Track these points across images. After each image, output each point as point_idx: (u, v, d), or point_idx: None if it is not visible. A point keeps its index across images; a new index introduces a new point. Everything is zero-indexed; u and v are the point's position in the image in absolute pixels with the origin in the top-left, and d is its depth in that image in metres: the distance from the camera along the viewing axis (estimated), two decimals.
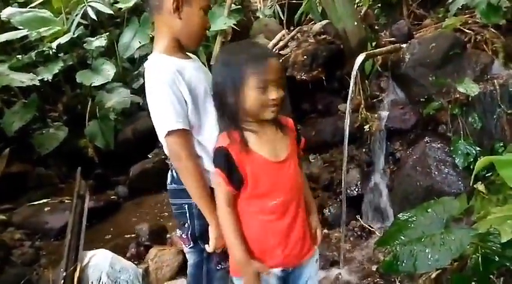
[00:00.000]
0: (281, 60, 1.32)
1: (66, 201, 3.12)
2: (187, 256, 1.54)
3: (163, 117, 1.28)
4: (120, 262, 2.12)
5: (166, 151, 1.38)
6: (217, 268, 1.45)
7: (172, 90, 1.27)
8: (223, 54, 1.38)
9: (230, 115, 1.24)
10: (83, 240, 2.18)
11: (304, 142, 1.41)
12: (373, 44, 3.07)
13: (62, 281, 1.97)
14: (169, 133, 1.27)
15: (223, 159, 1.23)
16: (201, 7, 1.37)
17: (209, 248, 1.37)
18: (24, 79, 3.02)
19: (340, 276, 2.31)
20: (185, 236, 1.43)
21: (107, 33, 3.78)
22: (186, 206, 1.38)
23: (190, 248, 1.46)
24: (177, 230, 1.49)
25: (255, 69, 1.20)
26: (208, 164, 1.34)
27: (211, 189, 1.31)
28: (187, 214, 1.40)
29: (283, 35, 3.85)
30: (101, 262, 2.09)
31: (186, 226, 1.41)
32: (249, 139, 1.25)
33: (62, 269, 2.01)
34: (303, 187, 1.38)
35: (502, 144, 2.40)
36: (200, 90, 1.34)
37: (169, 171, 1.44)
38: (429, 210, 1.67)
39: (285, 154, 1.30)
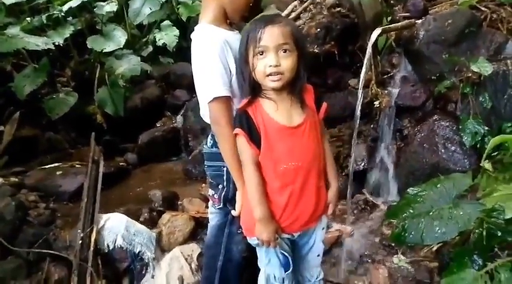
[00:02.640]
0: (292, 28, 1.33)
1: (77, 166, 3.18)
2: (210, 216, 1.63)
3: (211, 84, 1.36)
4: (135, 226, 2.20)
5: (204, 116, 1.47)
6: (238, 231, 1.54)
7: (221, 59, 1.35)
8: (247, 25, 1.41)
9: (247, 82, 1.31)
10: (99, 204, 2.25)
11: (325, 108, 1.44)
12: (388, 18, 3.04)
13: (80, 241, 2.05)
14: (214, 99, 1.34)
15: (244, 119, 1.31)
16: None
17: (235, 212, 1.44)
18: (39, 43, 3.00)
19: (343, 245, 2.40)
20: (217, 197, 1.52)
21: None
22: (225, 169, 1.46)
23: (218, 208, 1.55)
24: (209, 189, 1.59)
25: (253, 35, 1.26)
26: None
27: None
28: (224, 177, 1.49)
29: (295, 6, 3.78)
30: (116, 225, 2.17)
31: (220, 187, 1.51)
32: (265, 105, 1.32)
33: (79, 231, 2.08)
34: (320, 155, 1.42)
35: (510, 125, 2.42)
36: None
37: (210, 135, 1.51)
38: (439, 185, 1.73)
39: (300, 121, 1.34)
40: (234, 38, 1.43)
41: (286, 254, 1.40)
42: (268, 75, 1.27)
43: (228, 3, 1.43)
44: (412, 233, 1.62)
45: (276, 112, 1.32)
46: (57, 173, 2.97)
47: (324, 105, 1.44)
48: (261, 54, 1.26)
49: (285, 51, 1.26)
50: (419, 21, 2.93)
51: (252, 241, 1.43)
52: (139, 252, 2.12)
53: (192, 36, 1.44)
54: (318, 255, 1.54)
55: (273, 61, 1.25)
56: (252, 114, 1.31)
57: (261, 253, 1.44)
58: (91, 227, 2.13)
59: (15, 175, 3.02)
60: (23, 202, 2.34)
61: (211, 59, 1.36)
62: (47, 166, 3.15)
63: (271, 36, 1.25)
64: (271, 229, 1.33)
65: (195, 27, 1.46)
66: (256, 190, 1.32)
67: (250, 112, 1.31)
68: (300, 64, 1.30)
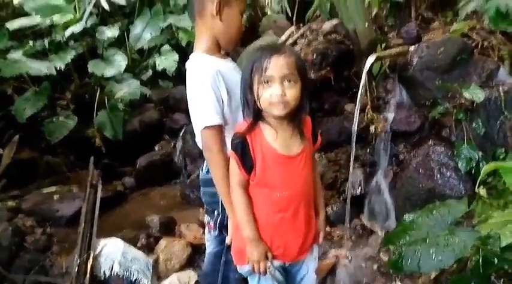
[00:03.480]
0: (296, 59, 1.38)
1: (74, 190, 3.19)
2: (207, 243, 1.64)
3: (203, 112, 1.40)
4: (132, 252, 2.19)
5: (198, 143, 1.50)
6: None
7: (213, 88, 1.39)
8: (252, 53, 1.47)
9: (250, 109, 1.34)
10: (96, 229, 2.25)
11: (319, 142, 1.47)
12: (383, 45, 3.12)
13: (76, 268, 2.04)
14: (206, 127, 1.38)
15: (239, 144, 1.33)
16: (240, 10, 1.49)
17: (228, 239, 1.45)
18: (41, 67, 3.06)
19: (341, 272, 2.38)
20: (212, 224, 1.54)
21: (119, 24, 3.80)
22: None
23: (214, 236, 1.56)
24: (205, 216, 1.60)
25: (259, 64, 1.29)
26: None
27: None
28: (219, 203, 1.49)
29: (292, 32, 3.88)
30: (113, 251, 2.16)
31: (215, 213, 1.53)
32: (265, 131, 1.35)
33: (76, 257, 2.07)
34: (311, 186, 1.44)
35: (503, 151, 2.46)
36: (237, 89, 1.44)
37: (205, 161, 1.53)
38: (434, 212, 1.74)
39: (297, 151, 1.37)
40: (227, 66, 1.48)
41: None
42: (273, 104, 1.30)
43: (220, 33, 1.48)
44: (409, 260, 1.62)
45: (275, 140, 1.35)
46: (55, 197, 2.97)
47: (319, 139, 1.47)
48: (266, 83, 1.29)
49: (290, 81, 1.30)
50: (413, 48, 3.00)
51: (243, 269, 1.43)
52: (135, 279, 2.10)
53: (187, 65, 1.49)
54: None
55: (278, 91, 1.28)
56: (250, 140, 1.33)
57: (253, 282, 1.44)
58: (88, 253, 2.12)
59: (12, 199, 3.02)
60: (20, 227, 2.34)
61: (204, 88, 1.40)
62: (44, 190, 3.16)
63: (276, 66, 1.28)
64: (261, 249, 1.35)
65: (190, 56, 1.51)
66: (245, 211, 1.35)
67: (249, 137, 1.34)
68: (303, 93, 1.34)
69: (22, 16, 3.66)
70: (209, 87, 1.39)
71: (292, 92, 1.30)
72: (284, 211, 1.36)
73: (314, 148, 1.46)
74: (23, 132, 3.50)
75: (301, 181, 1.38)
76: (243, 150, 1.33)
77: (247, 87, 1.33)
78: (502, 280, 1.59)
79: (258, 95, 1.31)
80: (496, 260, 1.60)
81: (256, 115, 1.35)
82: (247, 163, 1.33)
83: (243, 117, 1.40)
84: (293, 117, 1.36)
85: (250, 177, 1.35)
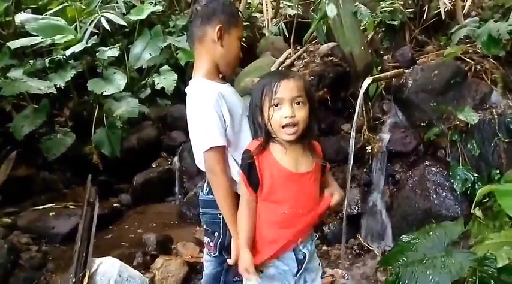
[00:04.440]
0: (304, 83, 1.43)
1: (71, 207, 3.17)
2: (205, 264, 1.62)
3: (207, 134, 1.41)
4: (128, 271, 2.17)
5: (199, 164, 1.51)
6: (234, 280, 1.53)
7: (216, 110, 1.41)
8: (259, 80, 1.51)
9: (263, 132, 1.39)
10: (92, 247, 2.23)
11: (328, 169, 1.49)
12: (378, 68, 3.19)
13: None
14: (210, 148, 1.40)
15: (246, 162, 1.36)
16: (238, 36, 1.54)
17: (231, 260, 1.45)
18: (41, 86, 3.09)
19: None
20: (212, 245, 1.53)
21: (119, 44, 3.86)
22: (221, 216, 1.47)
23: (213, 257, 1.55)
24: (205, 237, 1.59)
25: (269, 88, 1.34)
26: (238, 176, 1.45)
27: (238, 196, 1.43)
28: (220, 224, 1.49)
29: (289, 54, 3.97)
30: (109, 269, 2.14)
31: (216, 235, 1.51)
32: (274, 149, 1.38)
33: (72, 276, 2.05)
34: (317, 203, 1.45)
35: (498, 172, 2.50)
36: (238, 112, 1.49)
37: (206, 182, 1.54)
38: (431, 233, 1.76)
39: (308, 169, 1.40)
40: (228, 91, 1.51)
41: None
42: (284, 127, 1.34)
43: (220, 58, 1.52)
44: (406, 282, 1.63)
45: (284, 157, 1.38)
46: (51, 214, 2.96)
47: (328, 167, 1.49)
48: (276, 106, 1.34)
49: (299, 103, 1.35)
50: (408, 70, 3.08)
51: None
52: None
53: (187, 90, 1.52)
54: None
55: (288, 112, 1.32)
56: (257, 159, 1.36)
57: None
58: (83, 271, 2.09)
59: (8, 216, 3.01)
60: (15, 244, 2.33)
61: (207, 110, 1.42)
62: (40, 207, 3.14)
63: (286, 89, 1.33)
64: (249, 256, 1.37)
65: (190, 82, 1.54)
66: (245, 235, 1.37)
67: (255, 154, 1.36)
68: (311, 115, 1.38)
69: (23, 34, 3.72)
70: (212, 109, 1.41)
71: (301, 113, 1.34)
72: (289, 227, 1.38)
73: (322, 177, 1.48)
74: (20, 149, 3.51)
75: (310, 198, 1.40)
76: (249, 167, 1.36)
77: (258, 110, 1.38)
78: None
79: (269, 117, 1.35)
80: (492, 282, 1.61)
81: (267, 136, 1.39)
82: (252, 180, 1.36)
83: (252, 138, 1.44)
84: (302, 138, 1.39)
85: (257, 194, 1.38)
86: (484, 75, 3.01)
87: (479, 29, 2.95)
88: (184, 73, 4.47)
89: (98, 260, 2.21)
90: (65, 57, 3.60)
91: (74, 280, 2.04)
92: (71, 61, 3.88)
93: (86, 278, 2.07)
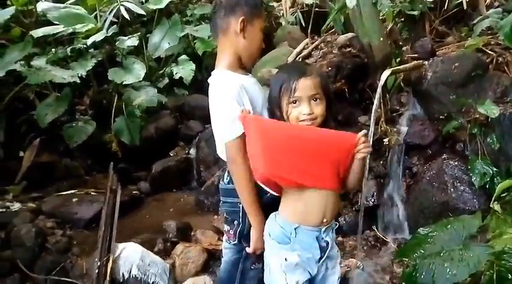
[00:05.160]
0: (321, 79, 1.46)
1: (92, 193, 3.27)
2: (224, 251, 1.67)
3: (228, 125, 1.45)
4: (149, 256, 2.25)
5: (221, 154, 1.55)
6: (252, 267, 1.58)
7: (237, 101, 1.45)
8: (277, 73, 1.54)
9: None
10: (115, 233, 2.32)
11: None
12: (397, 59, 3.17)
13: (97, 270, 2.10)
14: (232, 139, 1.44)
15: None
16: (260, 27, 1.56)
17: (249, 249, 1.50)
18: (65, 75, 3.16)
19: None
20: (232, 233, 1.57)
21: (138, 33, 3.90)
22: (241, 205, 1.52)
23: (232, 244, 1.60)
24: (225, 225, 1.64)
25: (287, 86, 1.40)
26: None
27: (257, 185, 1.46)
28: (240, 213, 1.54)
29: (307, 44, 3.95)
30: (131, 254, 2.22)
31: (235, 223, 1.56)
32: None
33: (97, 260, 2.14)
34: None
35: None
36: (259, 103, 1.52)
37: (226, 172, 1.59)
38: (449, 226, 1.78)
39: None
40: (250, 82, 1.55)
41: None
42: (301, 121, 1.39)
43: (243, 50, 1.55)
44: (424, 274, 1.66)
45: None
46: (73, 200, 3.05)
47: None
48: (294, 103, 1.39)
49: (316, 99, 1.40)
50: (427, 62, 3.05)
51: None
52: (153, 283, 2.16)
53: (210, 81, 1.56)
54: None
55: (306, 110, 1.38)
56: None
57: None
58: (107, 256, 2.18)
59: (32, 201, 3.11)
60: (42, 228, 2.41)
61: (229, 101, 1.46)
62: (63, 193, 3.23)
63: (304, 87, 1.38)
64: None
65: (212, 73, 1.57)
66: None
67: None
68: (328, 109, 1.43)
69: (44, 23, 3.78)
70: (234, 100, 1.45)
71: (319, 109, 1.40)
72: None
73: None
74: (43, 136, 3.61)
75: None
76: None
77: (276, 106, 1.43)
78: None
79: (287, 113, 1.40)
80: (510, 276, 1.62)
81: None
82: None
83: None
84: None
85: None
86: (506, 67, 2.96)
87: (502, 21, 2.89)
88: (201, 63, 4.50)
89: (121, 246, 2.29)
90: (85, 46, 3.66)
91: (98, 264, 2.12)
92: (91, 50, 3.94)
93: (110, 263, 2.16)
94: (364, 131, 1.41)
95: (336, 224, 1.54)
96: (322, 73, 1.51)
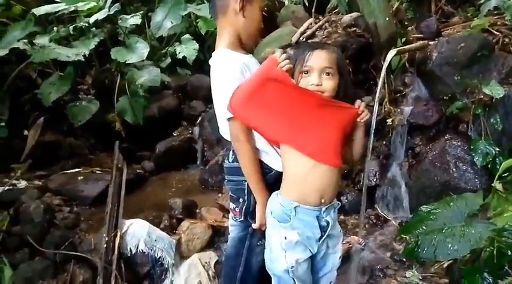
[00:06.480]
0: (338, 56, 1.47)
1: (97, 172, 3.30)
2: (230, 228, 1.70)
3: None
4: (156, 232, 2.29)
5: (224, 135, 1.55)
6: (258, 244, 1.61)
7: (240, 80, 1.45)
8: (296, 46, 1.55)
9: None
10: (122, 209, 2.36)
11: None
12: (403, 39, 3.15)
13: (105, 245, 2.15)
14: (233, 117, 1.44)
15: None
16: (260, 7, 1.56)
17: (255, 225, 1.53)
18: (69, 54, 3.15)
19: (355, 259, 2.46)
20: (238, 210, 1.60)
21: (141, 12, 3.86)
22: (245, 183, 1.54)
23: (238, 221, 1.63)
24: (230, 203, 1.66)
25: (302, 56, 1.40)
26: (262, 144, 1.51)
27: (261, 163, 1.50)
28: (245, 191, 1.56)
29: (311, 24, 3.91)
30: (138, 230, 2.27)
31: (241, 201, 1.58)
32: None
33: (105, 235, 2.18)
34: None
35: None
36: None
37: (231, 151, 1.60)
38: (451, 204, 1.81)
39: None
40: (251, 61, 1.54)
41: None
42: None
43: (242, 29, 1.55)
44: (425, 249, 1.70)
45: None
46: (79, 178, 3.08)
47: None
48: (305, 73, 1.39)
49: (328, 74, 1.39)
50: (433, 42, 3.03)
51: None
52: (159, 257, 2.21)
53: (211, 61, 1.55)
54: (331, 282, 1.59)
55: (315, 80, 1.37)
56: None
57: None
58: (115, 232, 2.23)
59: (38, 179, 3.15)
60: (50, 205, 2.45)
61: (231, 79, 1.45)
62: (68, 171, 3.27)
63: (318, 59, 1.39)
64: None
65: (213, 53, 1.57)
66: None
67: None
68: (340, 88, 1.42)
69: (46, 1, 3.73)
70: (236, 79, 1.45)
71: (328, 84, 1.38)
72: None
73: None
74: (46, 115, 3.62)
75: None
76: None
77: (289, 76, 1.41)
78: None
79: (297, 82, 1.40)
80: (509, 252, 1.66)
81: None
82: None
83: None
84: None
85: None
86: (511, 48, 2.95)
87: (509, 0, 2.86)
88: (204, 43, 4.47)
89: (128, 222, 2.34)
90: (88, 24, 3.62)
91: (106, 239, 2.17)
92: (93, 29, 3.91)
93: (118, 238, 2.20)
94: (358, 101, 1.44)
95: (338, 204, 1.54)
96: (339, 52, 1.49)
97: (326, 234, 1.47)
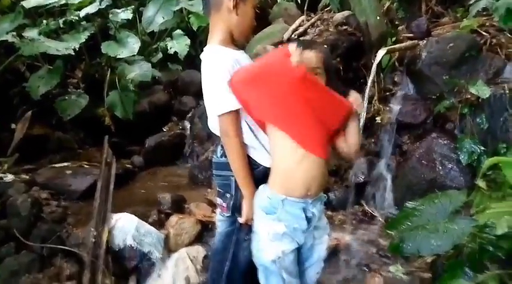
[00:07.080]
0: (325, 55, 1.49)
1: (85, 166, 3.28)
2: (218, 224, 1.71)
3: (222, 98, 1.47)
4: (144, 227, 2.29)
5: (213, 129, 1.57)
6: (245, 238, 1.62)
7: (231, 74, 1.46)
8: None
9: None
10: (110, 204, 2.35)
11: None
12: (393, 39, 3.18)
13: (93, 240, 2.14)
14: (224, 112, 1.46)
15: None
16: (253, 5, 1.58)
17: (241, 219, 1.54)
18: (59, 47, 3.12)
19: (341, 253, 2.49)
20: (225, 205, 1.60)
21: (132, 6, 3.84)
22: (233, 178, 1.55)
23: (226, 217, 1.63)
24: (218, 198, 1.67)
25: None
26: (250, 140, 1.53)
27: (249, 158, 1.51)
28: (232, 186, 1.57)
29: (303, 21, 3.93)
30: (127, 224, 2.27)
31: (228, 196, 1.59)
32: None
33: (93, 229, 2.18)
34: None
35: (505, 146, 2.55)
36: None
37: (219, 146, 1.61)
38: (436, 201, 1.84)
39: None
40: (242, 57, 1.56)
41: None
42: None
43: (235, 26, 1.56)
44: (410, 244, 1.72)
45: None
46: (67, 172, 3.06)
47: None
48: None
49: (316, 74, 1.42)
50: (422, 42, 3.07)
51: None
52: (148, 252, 2.21)
53: (202, 56, 1.56)
54: (318, 273, 1.62)
55: None
56: None
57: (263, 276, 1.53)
58: (103, 226, 2.22)
59: (25, 173, 3.12)
60: (37, 198, 2.43)
61: (222, 74, 1.47)
62: (56, 165, 3.25)
63: (305, 59, 1.40)
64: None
65: (204, 49, 1.58)
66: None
67: None
68: (327, 86, 1.44)
69: None
70: (227, 74, 1.46)
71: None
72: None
73: None
74: (35, 108, 3.58)
75: None
76: None
77: None
78: (496, 266, 1.69)
79: None
80: (491, 248, 1.70)
81: None
82: None
83: None
84: None
85: None
86: (499, 49, 2.99)
87: (498, 2, 2.90)
88: (195, 38, 4.46)
89: (116, 216, 2.33)
90: (78, 18, 3.60)
91: (94, 234, 2.16)
92: (83, 22, 3.88)
93: (106, 232, 2.20)
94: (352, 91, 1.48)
95: (325, 196, 1.58)
96: (327, 51, 1.52)
97: (312, 225, 1.50)
